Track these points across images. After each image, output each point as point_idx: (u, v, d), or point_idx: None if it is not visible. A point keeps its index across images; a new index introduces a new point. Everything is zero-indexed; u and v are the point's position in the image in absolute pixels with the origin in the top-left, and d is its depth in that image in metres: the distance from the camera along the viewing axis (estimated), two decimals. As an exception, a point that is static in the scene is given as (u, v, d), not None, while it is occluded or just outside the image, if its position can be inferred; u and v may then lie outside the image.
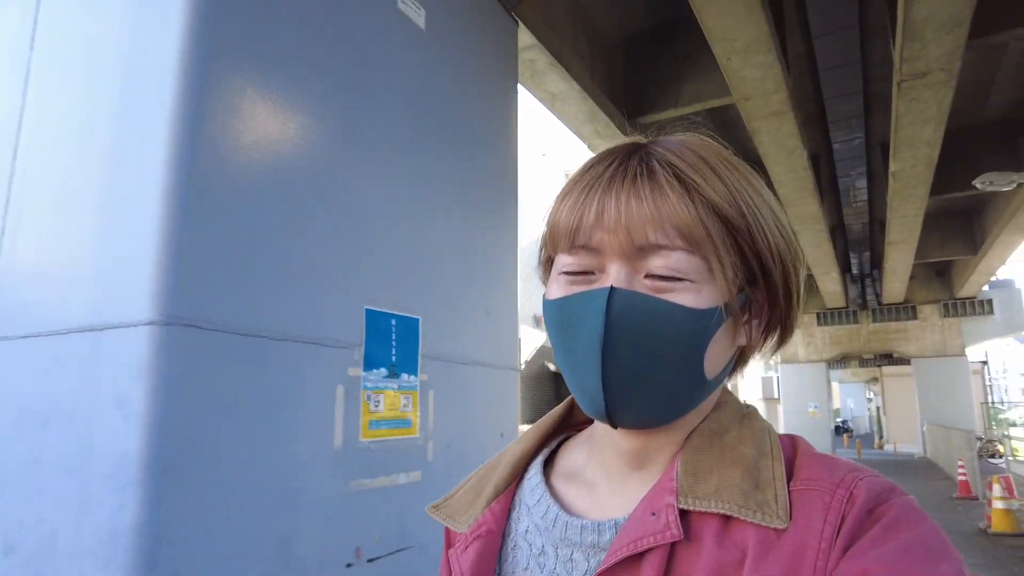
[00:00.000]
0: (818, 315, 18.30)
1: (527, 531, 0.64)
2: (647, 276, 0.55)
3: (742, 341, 0.60)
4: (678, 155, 0.57)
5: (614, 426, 0.57)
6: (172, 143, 1.57)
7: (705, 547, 0.52)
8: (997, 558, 6.54)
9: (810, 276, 14.92)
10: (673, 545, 0.53)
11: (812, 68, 6.99)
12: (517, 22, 3.55)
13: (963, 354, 18.10)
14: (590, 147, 6.64)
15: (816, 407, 19.53)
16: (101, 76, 1.75)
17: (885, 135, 7.87)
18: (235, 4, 1.75)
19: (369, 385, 2.07)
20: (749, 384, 41.99)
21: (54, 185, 1.76)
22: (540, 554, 0.61)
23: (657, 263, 0.54)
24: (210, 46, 1.67)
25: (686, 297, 0.54)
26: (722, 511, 0.53)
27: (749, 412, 0.63)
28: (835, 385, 34.07)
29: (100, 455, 1.47)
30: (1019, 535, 7.45)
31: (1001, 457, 16.99)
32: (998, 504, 7.73)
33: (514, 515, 0.66)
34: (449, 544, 0.69)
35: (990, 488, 7.97)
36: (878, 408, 28.99)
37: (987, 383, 27.46)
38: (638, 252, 0.55)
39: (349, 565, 1.91)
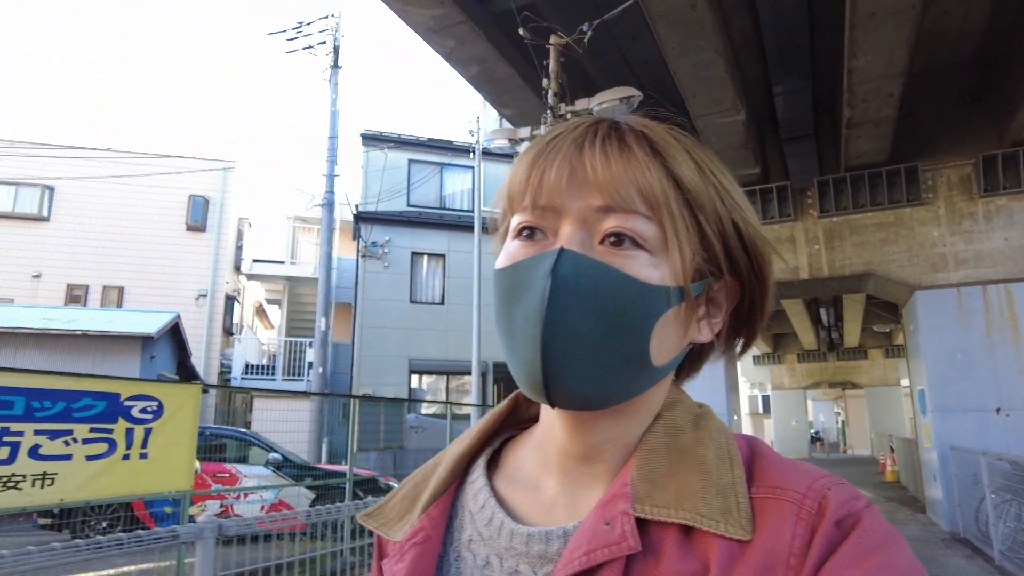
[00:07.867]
0: (798, 355, 25.28)
1: (470, 540, 0.58)
2: (602, 241, 0.52)
3: (700, 337, 0.56)
4: (650, 128, 0.56)
5: (551, 403, 0.52)
6: None
7: (665, 560, 0.48)
8: (884, 490, 13.98)
9: (794, 333, 22.24)
10: (629, 557, 0.48)
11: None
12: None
13: (899, 384, 25.15)
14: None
15: (797, 422, 26.17)
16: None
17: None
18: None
19: None
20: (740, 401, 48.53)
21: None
22: (485, 565, 0.55)
23: (613, 223, 0.51)
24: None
25: (639, 270, 0.50)
26: (683, 520, 0.48)
27: (704, 412, 0.58)
28: (810, 403, 40.38)
29: None
30: (896, 482, 15.04)
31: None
32: (889, 467, 15.72)
33: (456, 523, 0.60)
34: (382, 555, 0.63)
35: (884, 462, 15.92)
36: (842, 422, 35.93)
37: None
38: (596, 214, 0.52)
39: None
